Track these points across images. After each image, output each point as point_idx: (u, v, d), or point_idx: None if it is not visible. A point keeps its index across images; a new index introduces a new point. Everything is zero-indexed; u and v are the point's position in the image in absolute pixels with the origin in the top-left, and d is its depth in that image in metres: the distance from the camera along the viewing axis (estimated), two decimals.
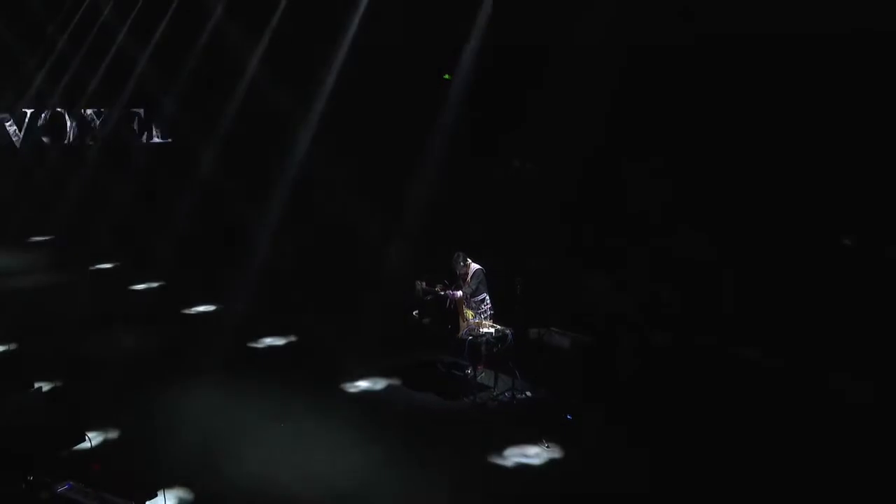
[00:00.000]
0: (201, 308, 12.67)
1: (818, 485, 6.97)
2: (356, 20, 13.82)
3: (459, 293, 9.06)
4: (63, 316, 12.27)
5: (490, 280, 9.24)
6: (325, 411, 8.77)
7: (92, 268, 15.53)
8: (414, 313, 9.70)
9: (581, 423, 8.26)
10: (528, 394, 8.96)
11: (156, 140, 19.37)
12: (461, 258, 9.19)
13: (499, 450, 7.86)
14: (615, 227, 11.31)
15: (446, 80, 17.98)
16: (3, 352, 10.74)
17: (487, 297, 9.35)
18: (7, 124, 18.54)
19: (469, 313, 9.03)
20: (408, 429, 8.38)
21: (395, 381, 9.56)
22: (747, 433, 7.81)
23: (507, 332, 9.00)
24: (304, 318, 11.74)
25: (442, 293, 9.14)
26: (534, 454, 7.80)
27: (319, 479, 7.32)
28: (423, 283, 9.33)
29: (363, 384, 9.52)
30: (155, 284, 14.17)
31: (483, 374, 9.16)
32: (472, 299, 9.21)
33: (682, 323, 9.69)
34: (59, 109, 19.32)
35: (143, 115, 19.17)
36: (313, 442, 8.02)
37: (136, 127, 19.20)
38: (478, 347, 8.85)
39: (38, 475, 6.00)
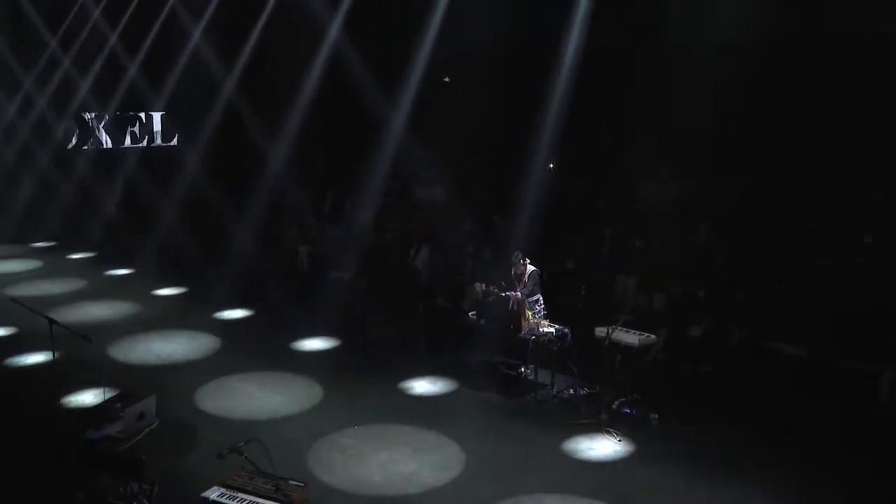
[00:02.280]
0: (235, 313, 12.67)
1: None
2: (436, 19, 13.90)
3: (520, 294, 9.29)
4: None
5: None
6: (393, 412, 8.92)
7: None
8: (470, 314, 9.91)
9: (652, 419, 8.55)
10: (586, 390, 9.24)
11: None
12: (520, 258, 9.43)
13: (569, 443, 8.16)
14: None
15: (446, 83, 18.37)
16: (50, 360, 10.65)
17: (541, 298, 9.61)
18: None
19: (529, 313, 9.27)
20: (476, 426, 8.58)
21: (454, 382, 9.74)
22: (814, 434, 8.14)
23: (566, 330, 9.26)
24: (350, 321, 11.80)
25: (503, 294, 9.36)
26: (606, 447, 8.10)
27: (408, 478, 7.49)
28: (483, 285, 9.55)
29: (423, 385, 9.69)
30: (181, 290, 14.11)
31: (535, 372, 9.41)
32: (528, 300, 9.45)
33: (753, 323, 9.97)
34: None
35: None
36: (392, 442, 8.17)
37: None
38: (540, 346, 9.10)
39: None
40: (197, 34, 17.36)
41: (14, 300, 9.05)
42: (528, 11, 12.83)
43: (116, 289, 14.34)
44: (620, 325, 8.62)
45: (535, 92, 12.99)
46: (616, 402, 8.69)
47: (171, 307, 13.27)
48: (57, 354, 10.67)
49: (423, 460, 7.82)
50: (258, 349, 10.96)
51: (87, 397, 9.40)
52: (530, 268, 9.50)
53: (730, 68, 11.20)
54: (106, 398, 6.70)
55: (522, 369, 9.67)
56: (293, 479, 5.43)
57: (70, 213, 18.37)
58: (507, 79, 13.56)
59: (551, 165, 15.39)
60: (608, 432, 8.31)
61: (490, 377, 9.73)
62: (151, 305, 13.33)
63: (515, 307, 9.18)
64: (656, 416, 8.60)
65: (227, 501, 5.29)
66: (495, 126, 13.87)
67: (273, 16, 16.22)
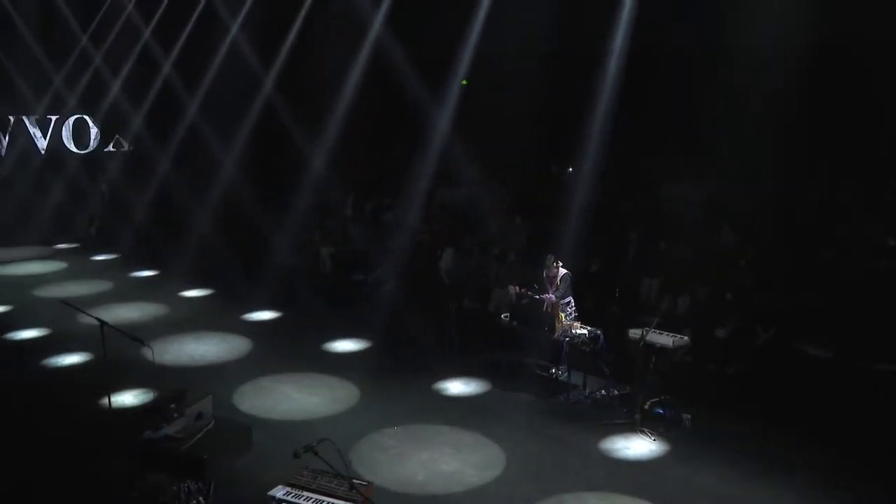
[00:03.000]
0: (263, 315, 12.85)
1: None
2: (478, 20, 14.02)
3: (554, 296, 9.46)
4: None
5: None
6: (430, 412, 9.09)
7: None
8: (503, 316, 10.09)
9: (685, 419, 8.72)
10: (617, 391, 9.41)
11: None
12: (553, 260, 9.61)
13: (605, 442, 8.36)
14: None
15: (464, 85, 18.50)
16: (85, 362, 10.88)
17: (572, 300, 9.78)
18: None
19: (562, 315, 9.44)
20: (513, 426, 8.75)
21: (487, 383, 9.92)
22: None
23: (598, 332, 9.43)
24: (379, 323, 11.96)
25: (537, 297, 9.53)
26: (641, 447, 8.28)
27: (451, 477, 7.67)
28: (517, 288, 9.72)
29: (457, 386, 9.87)
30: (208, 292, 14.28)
31: (569, 373, 9.58)
32: (560, 302, 9.62)
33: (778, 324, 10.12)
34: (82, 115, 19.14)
35: None
36: (432, 442, 8.34)
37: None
38: (573, 347, 9.27)
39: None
40: (234, 28, 17.22)
41: (65, 302, 9.17)
42: (571, 13, 12.92)
43: (143, 290, 14.50)
44: (654, 327, 8.76)
45: (574, 94, 13.10)
46: (648, 403, 8.84)
47: (199, 309, 13.44)
48: (95, 356, 11.03)
49: (465, 460, 7.99)
50: (290, 350, 11.14)
51: (128, 398, 9.63)
52: (562, 270, 9.67)
53: (760, 71, 11.36)
54: (159, 398, 6.85)
55: (553, 370, 9.86)
56: (356, 479, 5.60)
57: (96, 215, 18.46)
58: (545, 81, 13.61)
59: (570, 169, 15.58)
60: (643, 432, 8.48)
61: (522, 378, 9.91)
62: (179, 307, 13.49)
63: (549, 309, 9.35)
64: (689, 416, 8.76)
65: (292, 500, 5.46)
66: (528, 128, 13.95)
67: (313, 9, 16.18)
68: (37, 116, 18.49)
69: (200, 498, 6.55)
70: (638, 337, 8.72)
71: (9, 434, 8.51)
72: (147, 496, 6.87)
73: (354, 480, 5.54)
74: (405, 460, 7.95)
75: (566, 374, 9.53)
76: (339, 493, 5.44)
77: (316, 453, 4.86)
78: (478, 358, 10.58)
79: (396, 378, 10.06)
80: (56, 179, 18.80)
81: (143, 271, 15.83)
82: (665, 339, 8.75)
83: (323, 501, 5.39)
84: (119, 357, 10.34)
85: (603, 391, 9.39)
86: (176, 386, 8.67)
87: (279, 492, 5.53)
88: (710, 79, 11.88)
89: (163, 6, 18.06)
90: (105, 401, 9.28)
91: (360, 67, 15.97)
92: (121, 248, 17.26)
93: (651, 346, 8.67)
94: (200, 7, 17.49)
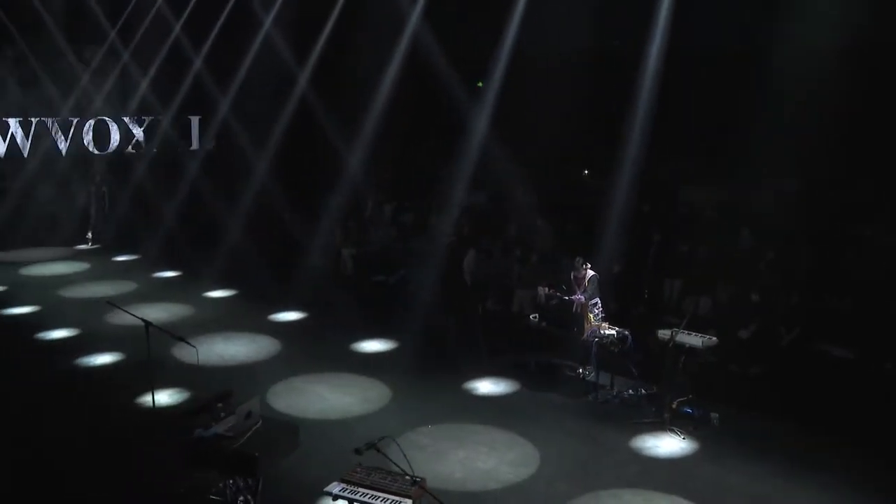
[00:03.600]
0: (290, 315, 13.03)
1: None
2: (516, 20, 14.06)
3: (583, 297, 9.62)
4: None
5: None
6: (462, 412, 9.27)
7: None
8: (531, 317, 10.26)
9: (713, 418, 8.90)
10: (644, 391, 9.57)
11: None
12: (581, 262, 9.78)
13: (635, 441, 8.55)
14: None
15: (479, 86, 18.63)
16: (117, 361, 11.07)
17: (599, 301, 9.95)
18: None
19: (590, 316, 9.61)
20: (545, 425, 8.92)
21: (516, 383, 10.08)
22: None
23: (626, 333, 9.60)
24: (404, 323, 12.12)
25: (566, 298, 9.70)
26: (671, 445, 8.46)
27: (488, 474, 7.84)
28: (547, 289, 9.89)
29: (487, 386, 10.04)
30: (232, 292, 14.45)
31: (597, 373, 9.74)
32: (588, 303, 9.79)
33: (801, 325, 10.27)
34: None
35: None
36: (467, 440, 8.51)
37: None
38: (602, 348, 9.44)
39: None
40: (267, 23, 16.98)
41: (109, 302, 9.37)
42: (610, 14, 13.06)
43: (167, 291, 14.66)
44: (683, 328, 8.92)
45: (610, 96, 13.28)
46: (675, 403, 9.00)
47: (225, 309, 13.60)
48: (126, 355, 11.23)
49: (500, 457, 8.16)
50: (319, 351, 11.30)
51: (163, 397, 9.80)
52: (590, 272, 9.83)
53: (787, 72, 11.53)
54: (206, 398, 7.01)
55: (581, 370, 10.03)
56: (409, 474, 5.76)
57: (124, 216, 18.50)
58: (582, 82, 13.68)
59: (586, 171, 15.75)
60: (672, 431, 8.65)
61: (551, 378, 10.10)
62: (205, 307, 13.67)
63: (579, 310, 9.52)
64: (717, 415, 8.92)
65: (348, 495, 5.63)
66: (562, 128, 14.06)
67: (349, 4, 16.05)
68: (58, 118, 18.58)
69: (248, 495, 6.71)
70: (667, 338, 8.87)
71: (50, 433, 8.69)
72: (194, 493, 7.05)
73: (407, 476, 5.69)
74: (442, 458, 8.11)
75: (594, 375, 9.69)
76: (394, 489, 5.61)
77: (378, 450, 5.02)
78: (505, 358, 10.75)
79: (426, 378, 10.22)
80: (80, 181, 18.93)
81: (166, 272, 15.98)
82: (694, 339, 8.91)
83: (378, 497, 5.54)
84: (152, 357, 10.60)
85: (631, 391, 9.56)
86: (220, 386, 8.90)
87: (335, 488, 5.70)
88: (733, 80, 12.04)
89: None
90: (141, 399, 9.64)
91: (397, 64, 15.87)
92: (142, 250, 17.42)
93: (681, 347, 8.82)
94: (232, 1, 17.20)
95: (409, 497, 5.54)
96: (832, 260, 11.10)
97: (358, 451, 5.14)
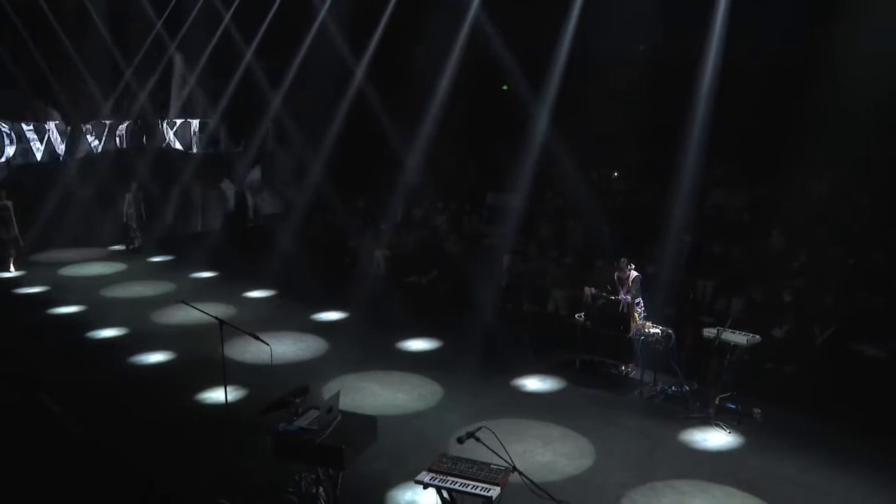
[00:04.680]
0: (332, 315, 13.39)
1: None
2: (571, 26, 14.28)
3: (629, 297, 9.99)
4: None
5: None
6: (513, 407, 9.63)
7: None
8: (577, 316, 10.63)
9: (756, 413, 9.28)
10: (687, 388, 9.93)
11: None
12: (626, 263, 10.15)
13: (684, 435, 8.95)
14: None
15: (505, 90, 18.93)
16: (171, 360, 11.43)
17: (642, 301, 10.31)
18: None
19: (636, 315, 9.98)
20: (594, 419, 9.29)
21: (562, 380, 10.46)
22: None
23: (670, 331, 9.96)
24: (443, 323, 12.49)
25: (613, 298, 10.07)
26: (718, 438, 8.83)
27: (547, 466, 8.20)
28: (593, 289, 10.26)
29: (534, 383, 10.41)
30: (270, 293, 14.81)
31: (641, 370, 10.11)
32: (633, 302, 10.16)
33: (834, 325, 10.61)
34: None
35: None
36: (523, 434, 8.87)
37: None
38: (648, 346, 9.81)
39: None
40: (322, 13, 16.83)
41: (185, 302, 9.72)
42: (673, 20, 13.30)
43: (206, 292, 15.01)
44: (728, 327, 9.28)
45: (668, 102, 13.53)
46: (718, 399, 9.36)
47: (266, 309, 13.96)
48: (178, 354, 11.59)
49: (557, 451, 8.52)
50: (366, 349, 11.64)
51: (219, 394, 10.15)
52: (634, 273, 10.20)
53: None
54: (284, 394, 7.36)
55: (624, 368, 10.41)
56: (494, 463, 6.13)
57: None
58: (642, 84, 13.88)
59: (615, 174, 16.11)
60: (718, 425, 9.01)
61: (595, 375, 10.46)
62: (247, 307, 14.02)
63: (626, 310, 9.89)
64: (759, 410, 9.29)
65: (438, 483, 6.00)
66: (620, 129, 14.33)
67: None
68: (98, 120, 18.95)
69: (320, 487, 7.02)
70: (713, 336, 9.24)
71: (123, 428, 9.07)
72: (273, 485, 7.42)
73: (492, 465, 6.07)
74: (502, 452, 8.44)
75: (638, 372, 10.05)
76: (481, 477, 5.97)
77: (477, 439, 5.39)
78: (550, 357, 11.10)
79: (474, 376, 10.56)
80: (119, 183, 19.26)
81: (203, 273, 16.33)
82: (739, 337, 9.27)
83: (468, 484, 5.90)
84: (200, 356, 11.04)
85: (674, 387, 9.91)
86: (273, 385, 9.29)
87: (425, 477, 6.06)
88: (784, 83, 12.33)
89: None
90: (202, 396, 10.02)
91: (455, 61, 15.92)
92: (182, 251, 17.81)
93: (726, 344, 9.19)
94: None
95: (497, 485, 5.90)
96: (865, 260, 11.41)
97: (460, 440, 5.50)
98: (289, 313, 13.55)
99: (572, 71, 14.76)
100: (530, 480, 5.34)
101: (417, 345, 11.95)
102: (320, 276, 14.78)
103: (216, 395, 10.13)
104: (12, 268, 16.24)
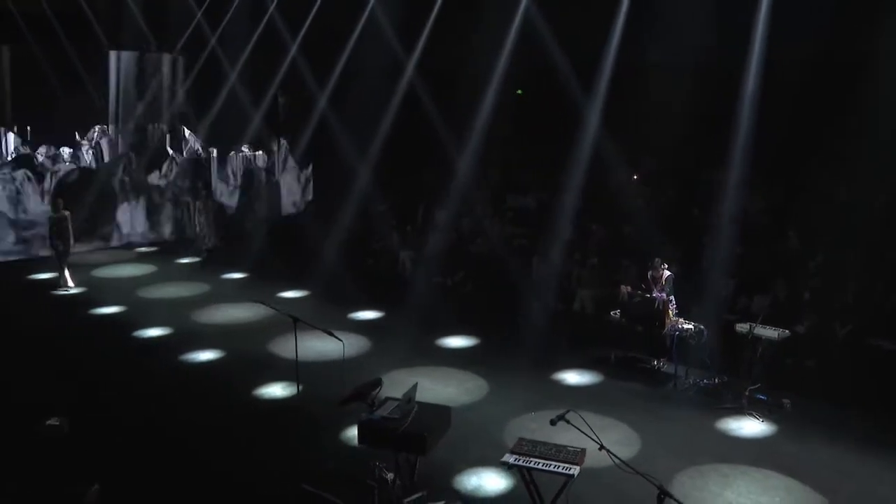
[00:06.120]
0: (368, 314, 13.96)
1: None
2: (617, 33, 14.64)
3: (664, 295, 10.63)
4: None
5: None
6: (556, 399, 10.19)
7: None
8: (612, 313, 11.27)
9: (785, 404, 9.96)
10: (718, 380, 10.59)
11: None
12: (659, 263, 10.79)
13: (720, 423, 9.60)
14: None
15: (519, 94, 19.43)
16: (221, 357, 11.95)
17: (674, 299, 10.97)
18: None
19: (670, 312, 10.62)
20: (635, 410, 9.91)
21: (598, 374, 11.09)
22: None
23: (702, 327, 10.62)
24: (477, 321, 13.11)
25: (648, 296, 10.72)
26: (752, 427, 9.50)
27: (596, 454, 8.75)
28: (629, 288, 10.90)
29: (573, 377, 11.04)
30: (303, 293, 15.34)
31: (675, 364, 10.75)
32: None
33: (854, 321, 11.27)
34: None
35: None
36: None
37: None
38: (682, 341, 10.46)
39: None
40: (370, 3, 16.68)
41: (261, 302, 10.22)
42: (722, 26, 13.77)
43: (241, 292, 15.51)
44: (760, 322, 9.94)
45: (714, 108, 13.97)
46: (748, 390, 10.01)
47: (303, 308, 14.40)
48: (227, 352, 12.11)
49: (605, 438, 8.95)
50: (407, 346, 12.18)
51: (276, 389, 10.71)
52: (667, 272, 10.85)
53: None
54: (361, 386, 7.91)
55: (656, 362, 11.06)
56: (571, 446, 6.74)
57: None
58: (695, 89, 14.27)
59: (635, 177, 16.74)
60: (751, 415, 9.67)
61: (630, 369, 11.10)
62: (284, 307, 14.40)
63: (661, 307, 10.53)
64: (788, 401, 9.96)
65: (523, 464, 6.60)
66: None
67: None
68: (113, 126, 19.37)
69: (392, 474, 7.57)
70: (745, 331, 9.90)
71: (190, 422, 9.63)
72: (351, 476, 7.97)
73: (569, 448, 6.68)
74: (552, 440, 9.03)
75: (671, 366, 10.70)
76: (561, 458, 6.58)
77: (568, 421, 6.00)
78: (584, 353, 11.73)
79: (515, 371, 11.16)
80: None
81: (233, 273, 16.80)
82: (770, 332, 9.93)
83: (551, 464, 6.51)
84: (249, 353, 11.62)
85: (705, 380, 10.56)
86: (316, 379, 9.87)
87: (510, 458, 6.68)
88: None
89: None
90: (259, 392, 10.54)
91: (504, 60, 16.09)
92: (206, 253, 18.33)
93: (757, 339, 9.85)
94: None
95: (577, 464, 6.51)
96: (882, 258, 12.05)
97: (552, 422, 6.10)
98: (326, 313, 14.04)
99: (620, 75, 15.20)
100: (618, 458, 5.90)
101: (456, 342, 12.53)
102: (351, 278, 15.29)
103: (271, 391, 10.71)
104: (70, 283, 15.50)
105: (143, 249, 19.26)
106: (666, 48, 14.35)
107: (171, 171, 19.77)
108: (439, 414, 7.73)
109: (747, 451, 8.95)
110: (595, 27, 15.02)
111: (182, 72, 19.64)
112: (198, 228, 18.30)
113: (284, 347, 12.29)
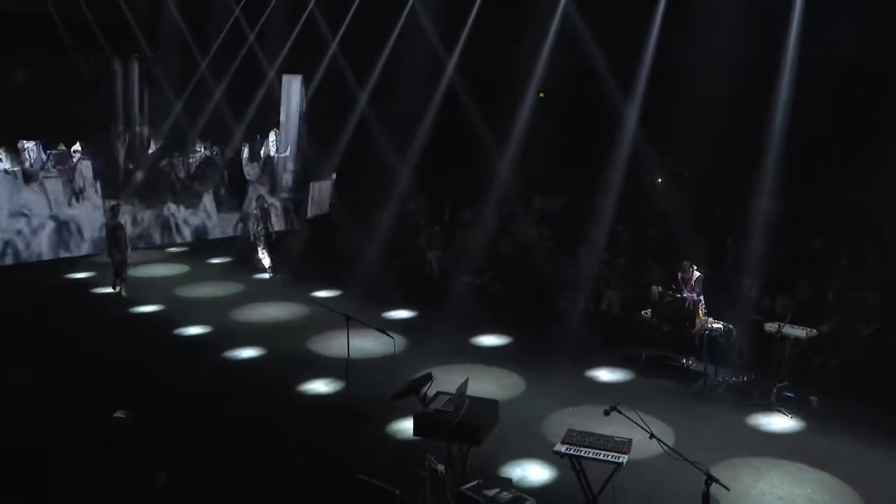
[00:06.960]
0: (401, 313, 14.39)
1: None
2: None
3: (695, 296, 11.02)
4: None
5: None
6: (591, 395, 10.63)
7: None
8: (643, 313, 11.66)
9: (813, 401, 10.33)
10: (746, 378, 10.97)
11: None
12: (689, 265, 11.19)
13: (750, 419, 9.99)
14: None
15: (541, 97, 19.77)
16: (262, 355, 12.37)
17: (703, 299, 11.35)
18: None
19: (700, 312, 11.01)
20: (667, 407, 10.27)
21: (630, 372, 11.48)
22: None
23: (731, 326, 11.00)
24: (508, 320, 13.52)
25: (679, 296, 11.11)
26: (782, 423, 9.89)
27: (639, 446, 9.13)
28: (660, 288, 11.30)
29: (605, 374, 11.44)
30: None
31: (705, 362, 11.13)
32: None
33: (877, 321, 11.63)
34: None
35: None
36: (609, 419, 9.82)
37: None
38: (712, 340, 10.85)
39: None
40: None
41: (314, 300, 10.59)
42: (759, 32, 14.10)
43: (275, 291, 15.94)
44: (788, 322, 10.32)
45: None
46: (776, 388, 10.38)
47: (337, 308, 14.83)
48: (268, 349, 12.52)
49: (639, 432, 9.49)
50: (443, 345, 12.57)
51: (319, 385, 11.14)
52: (696, 273, 11.24)
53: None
54: (413, 381, 8.31)
55: (685, 360, 11.44)
56: (617, 436, 7.15)
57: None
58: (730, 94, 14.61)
59: (659, 180, 17.12)
60: (780, 411, 10.05)
61: (660, 367, 11.49)
62: (317, 306, 14.92)
63: (691, 307, 10.92)
64: (815, 398, 10.33)
65: (574, 453, 7.01)
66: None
67: None
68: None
69: (441, 465, 7.94)
70: (774, 330, 10.28)
71: (236, 417, 10.05)
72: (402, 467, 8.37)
73: (616, 438, 7.08)
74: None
75: (701, 364, 11.08)
76: (610, 447, 6.99)
77: (620, 412, 6.41)
78: (614, 351, 12.12)
79: (549, 368, 11.53)
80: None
81: (264, 274, 17.20)
82: (799, 331, 10.31)
83: (601, 453, 6.92)
84: (289, 351, 12.08)
85: (734, 378, 10.94)
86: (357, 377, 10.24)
87: (562, 448, 7.09)
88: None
89: None
90: (303, 388, 10.96)
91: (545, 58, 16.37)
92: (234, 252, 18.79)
93: (786, 337, 10.23)
94: None
95: (625, 453, 6.92)
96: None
97: (606, 412, 6.51)
98: (361, 312, 14.36)
99: (658, 79, 15.53)
100: (668, 445, 6.32)
101: (490, 340, 12.93)
102: (383, 277, 15.70)
103: (316, 387, 11.13)
104: (123, 292, 15.38)
105: (173, 249, 19.71)
106: (701, 53, 14.64)
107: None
108: (489, 407, 8.12)
109: (778, 446, 9.33)
110: (632, 30, 15.38)
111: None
112: (252, 238, 17.84)
113: (323, 345, 12.77)
